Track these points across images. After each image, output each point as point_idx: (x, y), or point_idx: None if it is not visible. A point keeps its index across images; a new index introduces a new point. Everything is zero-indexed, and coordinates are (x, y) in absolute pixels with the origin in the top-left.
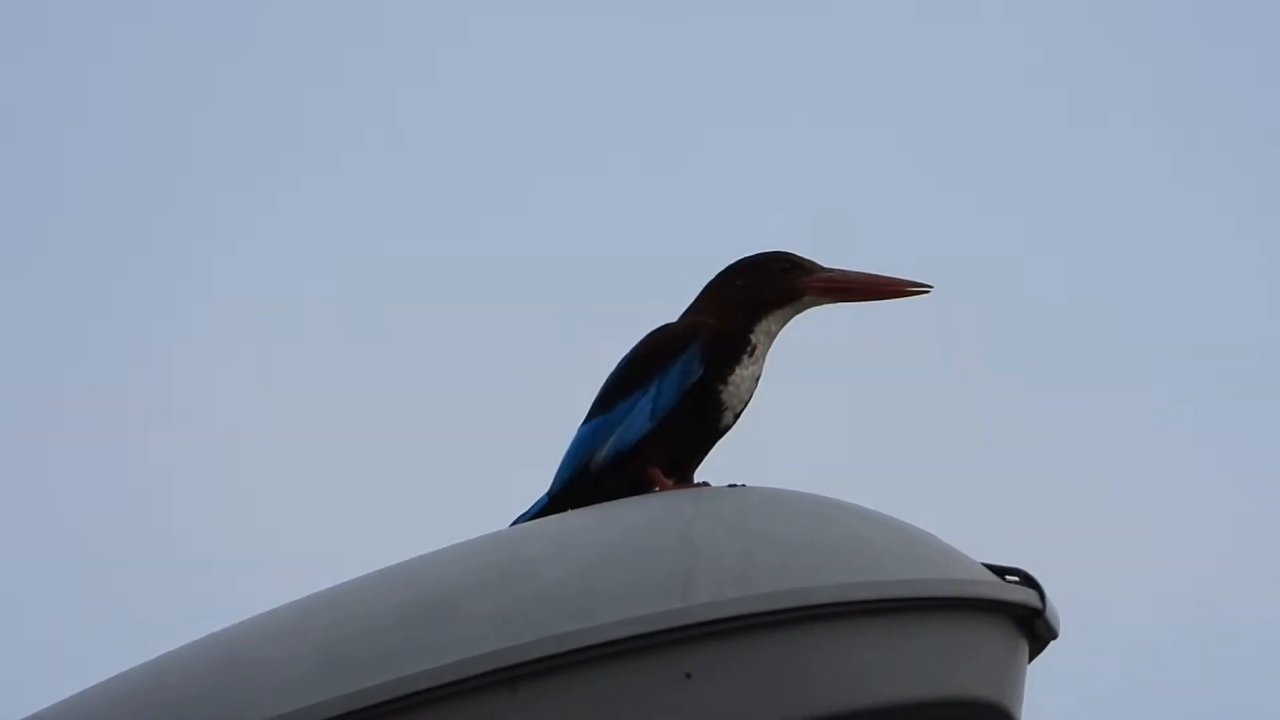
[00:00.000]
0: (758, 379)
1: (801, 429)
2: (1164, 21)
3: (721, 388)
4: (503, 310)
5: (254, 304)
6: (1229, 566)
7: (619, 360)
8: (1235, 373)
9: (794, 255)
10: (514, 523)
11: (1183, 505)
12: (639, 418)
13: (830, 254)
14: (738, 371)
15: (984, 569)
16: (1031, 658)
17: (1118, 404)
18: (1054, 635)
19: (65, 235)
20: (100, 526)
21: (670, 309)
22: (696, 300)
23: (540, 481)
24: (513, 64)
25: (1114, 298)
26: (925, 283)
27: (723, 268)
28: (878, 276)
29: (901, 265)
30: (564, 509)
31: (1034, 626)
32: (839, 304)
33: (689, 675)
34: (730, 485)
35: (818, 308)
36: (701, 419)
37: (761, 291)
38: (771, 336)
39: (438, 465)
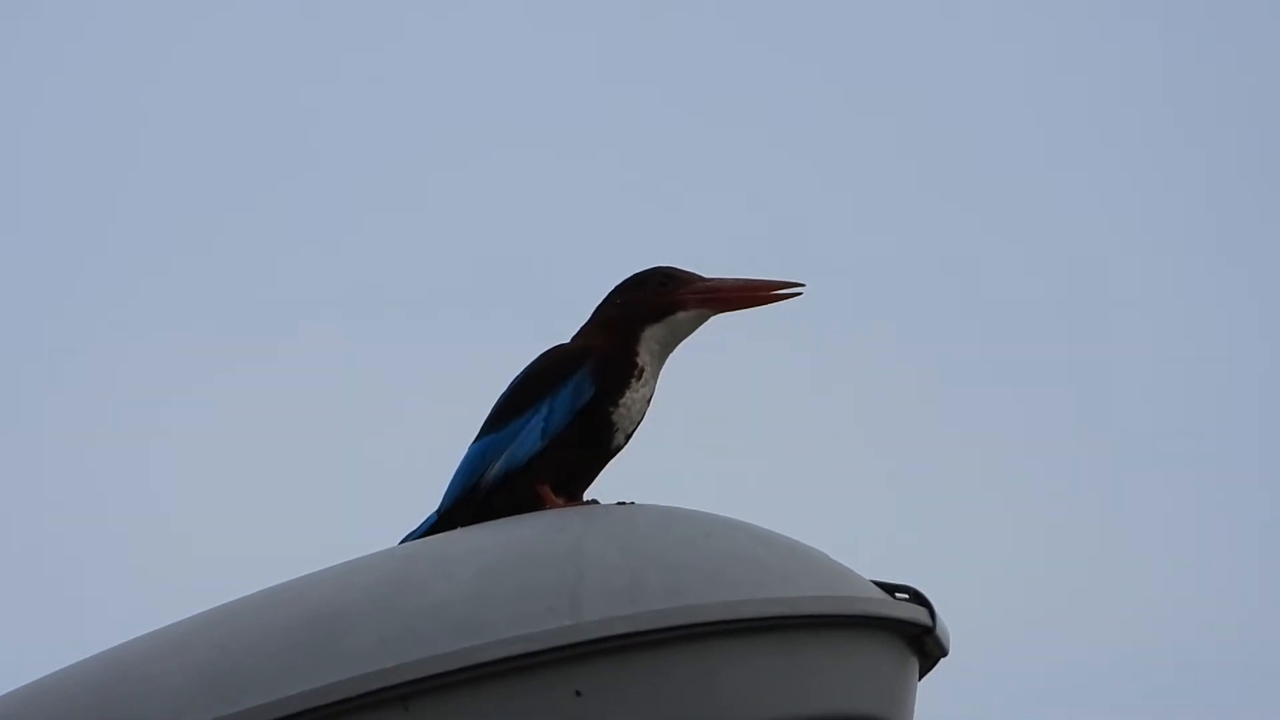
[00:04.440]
0: (649, 400)
1: (692, 447)
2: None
3: (612, 409)
4: (396, 326)
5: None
6: (1123, 581)
7: (511, 380)
8: (1120, 377)
9: (673, 269)
10: (403, 540)
11: (1076, 518)
12: (530, 437)
13: (729, 268)
14: (628, 394)
15: (874, 586)
16: (922, 675)
17: (1010, 419)
18: (944, 653)
19: None
20: None
21: (567, 328)
22: (588, 321)
23: (430, 499)
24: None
25: (999, 300)
26: (797, 282)
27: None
28: (750, 280)
29: (793, 275)
30: (453, 527)
31: (924, 644)
32: (720, 313)
33: (579, 693)
34: (619, 503)
35: (713, 322)
36: (592, 439)
37: (640, 308)
38: (658, 356)
39: (326, 482)
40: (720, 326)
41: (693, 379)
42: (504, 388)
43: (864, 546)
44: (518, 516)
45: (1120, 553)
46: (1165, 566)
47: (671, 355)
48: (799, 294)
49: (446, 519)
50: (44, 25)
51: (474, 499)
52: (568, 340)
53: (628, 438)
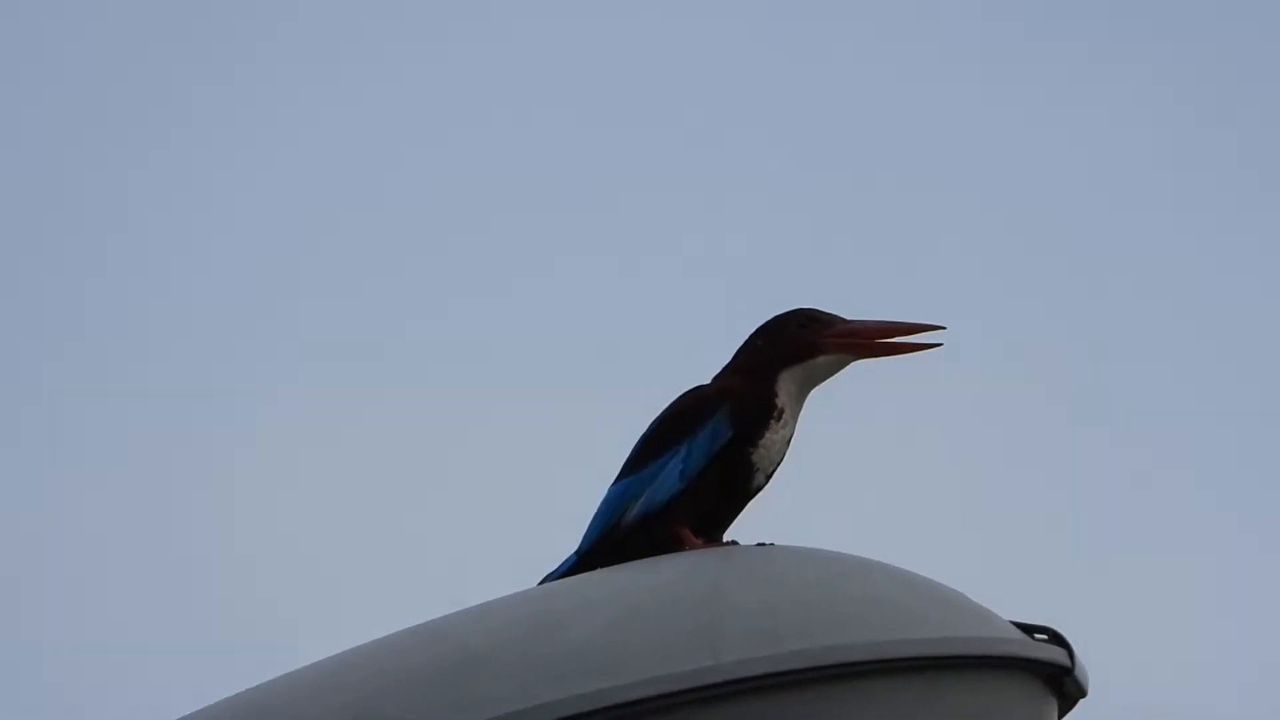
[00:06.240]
0: (789, 441)
1: (831, 487)
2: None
3: (751, 450)
4: (533, 368)
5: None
6: (1264, 621)
7: (650, 421)
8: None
9: (814, 311)
10: (542, 581)
11: (1218, 558)
12: (669, 479)
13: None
14: (767, 435)
15: (1013, 627)
16: (1061, 715)
17: (1154, 457)
18: (1083, 693)
19: None
20: (121, 576)
21: (706, 370)
22: (728, 363)
23: (569, 540)
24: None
25: (1141, 340)
26: (938, 325)
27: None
28: (891, 323)
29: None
30: (592, 568)
31: (1063, 685)
32: (861, 358)
33: None
34: (759, 544)
35: (855, 366)
36: (731, 481)
37: (780, 350)
38: (797, 397)
39: (466, 522)
40: (862, 367)
41: (832, 419)
42: (643, 429)
43: (1003, 587)
44: (657, 558)
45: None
46: None
47: (812, 396)
48: (940, 343)
49: (585, 560)
50: None
51: (613, 540)
52: (707, 382)
53: (767, 479)
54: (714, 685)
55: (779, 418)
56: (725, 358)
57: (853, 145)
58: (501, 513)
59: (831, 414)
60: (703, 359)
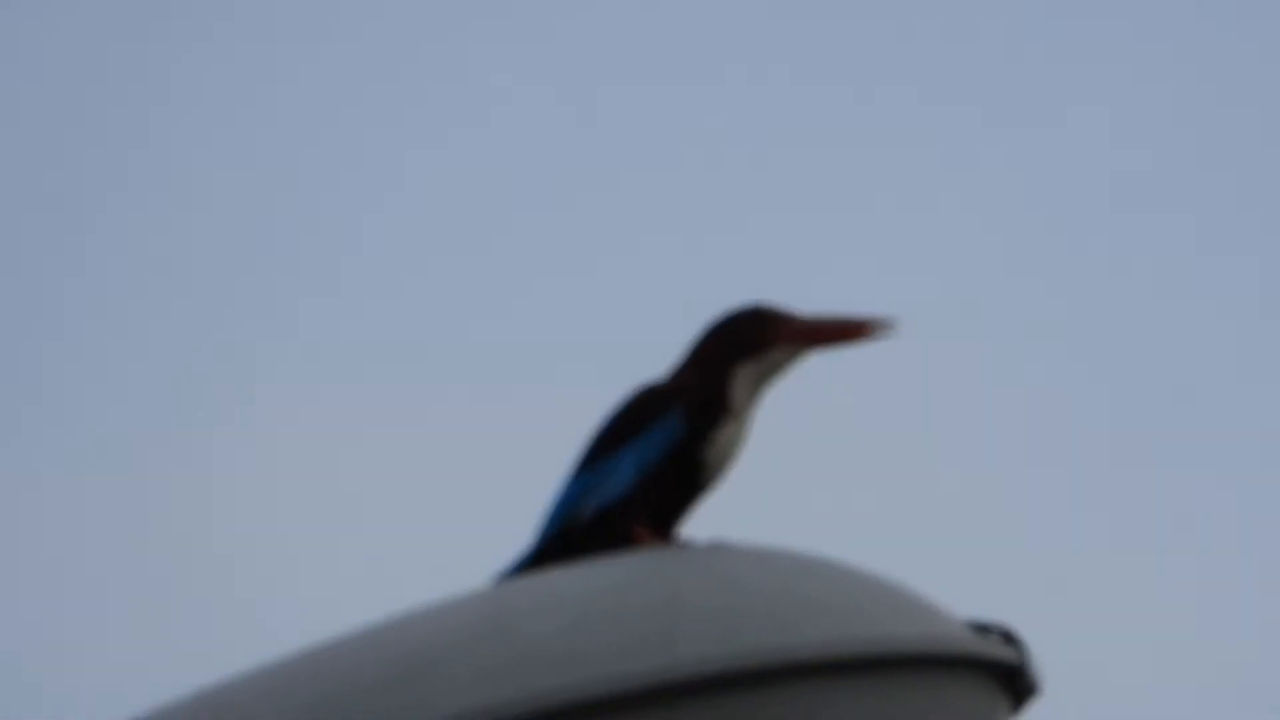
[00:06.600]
0: (742, 438)
1: (785, 485)
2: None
3: (704, 447)
4: (481, 361)
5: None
6: (1222, 621)
7: (603, 417)
8: (1228, 410)
9: (767, 306)
10: (496, 577)
11: (1177, 557)
12: (623, 476)
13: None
14: (720, 432)
15: (965, 626)
16: (1014, 714)
17: (1117, 452)
18: (1035, 692)
19: None
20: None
21: (656, 367)
22: (680, 359)
23: (521, 537)
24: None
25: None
26: (889, 319)
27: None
28: (844, 318)
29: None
30: (545, 565)
31: (1016, 683)
32: (815, 352)
33: None
34: (712, 541)
35: (810, 360)
36: (685, 478)
37: (734, 346)
38: (751, 393)
39: (417, 520)
40: (815, 359)
41: (788, 414)
42: (594, 425)
43: (958, 586)
44: (610, 556)
45: (1243, 591)
46: None
47: (768, 392)
48: (893, 330)
49: (538, 557)
50: None
51: (566, 537)
52: (660, 378)
53: (720, 475)
54: (670, 683)
55: (732, 414)
56: (676, 354)
57: (812, 131)
58: (453, 509)
59: (785, 408)
60: (654, 355)
